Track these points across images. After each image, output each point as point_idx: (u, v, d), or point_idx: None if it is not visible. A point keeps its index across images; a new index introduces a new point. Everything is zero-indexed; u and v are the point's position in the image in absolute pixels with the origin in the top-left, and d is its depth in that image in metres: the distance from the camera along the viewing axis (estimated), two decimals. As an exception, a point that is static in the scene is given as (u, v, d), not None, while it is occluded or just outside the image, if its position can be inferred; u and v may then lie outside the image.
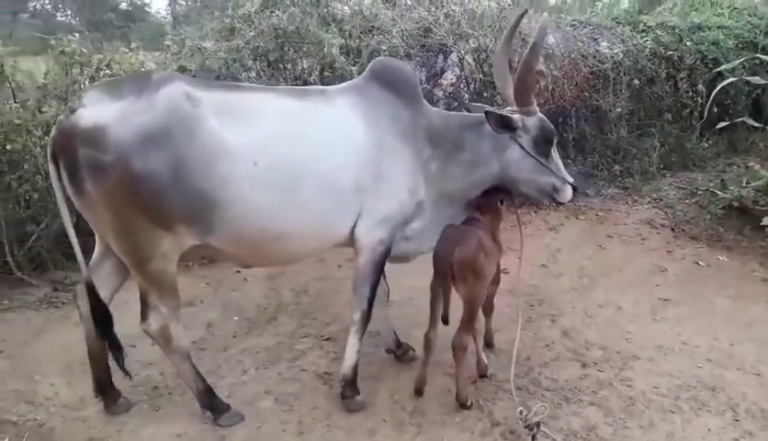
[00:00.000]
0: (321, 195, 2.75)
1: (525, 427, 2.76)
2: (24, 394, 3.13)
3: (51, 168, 2.51)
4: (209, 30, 5.23)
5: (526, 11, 3.33)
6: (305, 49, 4.91)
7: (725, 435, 2.93)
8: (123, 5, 27.78)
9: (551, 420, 2.94)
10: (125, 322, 3.75)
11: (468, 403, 3.03)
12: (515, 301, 4.12)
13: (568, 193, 3.12)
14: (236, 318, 3.98)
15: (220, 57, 4.55)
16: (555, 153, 3.13)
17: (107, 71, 4.35)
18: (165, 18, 27.84)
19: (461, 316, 3.00)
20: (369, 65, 3.10)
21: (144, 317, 2.73)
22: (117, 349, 2.83)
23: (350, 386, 3.07)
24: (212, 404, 2.92)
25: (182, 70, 4.48)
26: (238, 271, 4.44)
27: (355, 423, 2.94)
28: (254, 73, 4.73)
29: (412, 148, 2.98)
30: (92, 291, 2.73)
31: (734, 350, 3.64)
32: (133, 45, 5.20)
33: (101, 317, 2.76)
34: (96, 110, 2.40)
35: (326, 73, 4.99)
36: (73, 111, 2.43)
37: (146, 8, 29.62)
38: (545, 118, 3.11)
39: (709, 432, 2.94)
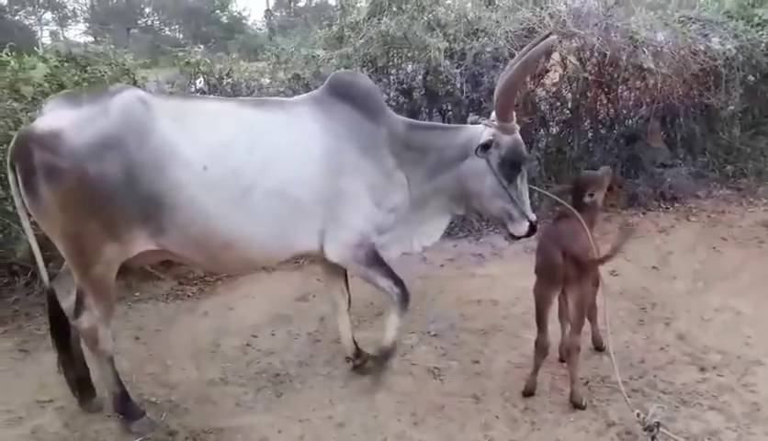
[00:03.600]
0: (275, 204, 2.75)
1: (645, 429, 2.72)
2: (159, 377, 3.40)
3: (10, 176, 2.55)
4: (317, 39, 5.47)
5: (550, 34, 3.08)
6: (410, 54, 5.04)
7: None
8: (224, 19, 29.27)
9: (668, 423, 2.86)
10: (248, 314, 4.06)
11: (583, 404, 3.01)
12: (627, 304, 4.10)
13: (523, 227, 3.00)
14: (346, 313, 4.12)
15: (332, 64, 4.75)
16: (521, 183, 3.00)
17: (229, 79, 4.65)
18: (261, 30, 29.14)
19: (572, 317, 2.99)
20: (327, 79, 3.10)
21: (77, 314, 2.73)
22: (68, 364, 2.86)
23: (385, 358, 3.20)
24: (126, 409, 2.90)
25: (296, 78, 4.73)
26: (345, 268, 4.61)
27: (468, 417, 3.00)
28: (362, 79, 4.90)
29: (375, 160, 2.96)
30: (52, 300, 2.79)
31: None
32: (234, 55, 5.51)
33: (59, 327, 2.82)
34: (53, 117, 2.49)
35: (429, 77, 5.10)
36: (32, 120, 2.56)
37: (243, 21, 31.16)
38: (521, 141, 2.99)
39: None
